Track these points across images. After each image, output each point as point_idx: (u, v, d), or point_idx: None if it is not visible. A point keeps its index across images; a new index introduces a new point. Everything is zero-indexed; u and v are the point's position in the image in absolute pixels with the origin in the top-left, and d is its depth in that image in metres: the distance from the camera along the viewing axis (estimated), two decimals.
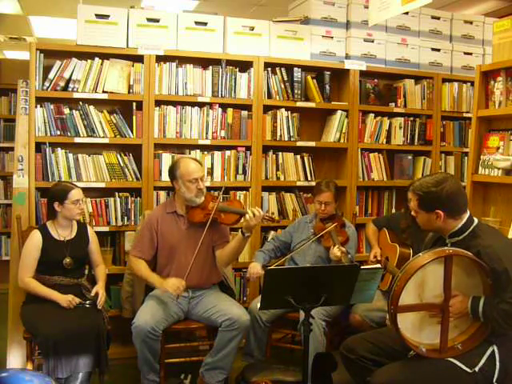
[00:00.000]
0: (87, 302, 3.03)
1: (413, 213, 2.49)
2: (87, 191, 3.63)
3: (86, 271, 3.28)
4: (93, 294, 3.07)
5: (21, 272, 3.07)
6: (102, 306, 3.06)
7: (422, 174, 4.26)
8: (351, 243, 3.53)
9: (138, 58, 3.67)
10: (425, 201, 2.40)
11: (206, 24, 3.81)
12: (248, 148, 3.92)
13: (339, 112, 4.10)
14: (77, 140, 3.57)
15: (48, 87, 3.51)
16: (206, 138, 3.83)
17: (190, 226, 3.22)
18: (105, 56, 3.61)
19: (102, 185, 3.64)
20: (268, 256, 3.61)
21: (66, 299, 2.95)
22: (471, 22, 4.53)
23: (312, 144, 4.10)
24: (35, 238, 3.09)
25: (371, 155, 4.22)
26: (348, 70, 4.09)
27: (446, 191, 2.35)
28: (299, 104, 4.02)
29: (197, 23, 3.79)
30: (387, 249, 3.51)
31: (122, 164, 3.68)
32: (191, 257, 3.06)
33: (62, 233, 3.15)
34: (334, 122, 4.12)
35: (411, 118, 4.30)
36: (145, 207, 3.66)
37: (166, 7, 5.05)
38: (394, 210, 4.30)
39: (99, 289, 3.11)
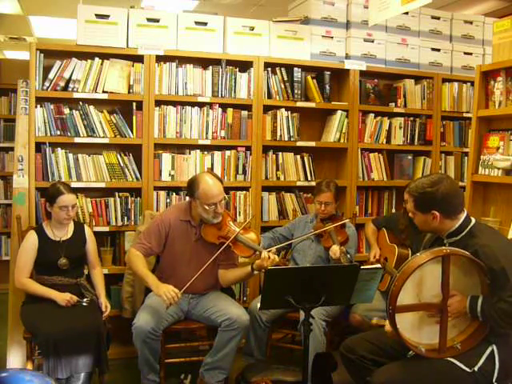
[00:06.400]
0: (84, 300, 3.02)
1: (410, 214, 2.50)
2: (87, 191, 3.65)
3: (86, 271, 3.27)
4: (103, 309, 3.07)
5: (17, 273, 3.07)
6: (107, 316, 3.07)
7: (422, 174, 4.26)
8: (351, 243, 3.52)
9: (138, 58, 3.67)
10: (420, 202, 2.40)
11: (205, 24, 3.81)
12: (248, 148, 3.93)
13: (339, 112, 4.10)
14: (77, 140, 3.58)
15: (48, 87, 3.51)
16: (206, 138, 3.84)
17: (199, 239, 3.14)
18: (105, 56, 3.62)
19: (102, 185, 3.64)
20: (267, 241, 3.60)
21: (64, 298, 2.95)
22: (471, 22, 4.53)
23: (312, 144, 4.10)
24: (31, 239, 3.08)
25: (371, 155, 4.22)
26: (348, 70, 4.09)
27: (441, 192, 2.35)
28: (299, 104, 4.02)
29: (197, 23, 3.79)
30: (386, 249, 3.51)
31: (122, 164, 3.68)
32: (193, 269, 3.01)
33: (58, 233, 3.14)
34: (334, 122, 4.13)
35: (411, 118, 4.30)
36: (145, 207, 3.67)
37: (166, 7, 5.04)
38: (393, 210, 4.31)
39: (104, 300, 3.11)
